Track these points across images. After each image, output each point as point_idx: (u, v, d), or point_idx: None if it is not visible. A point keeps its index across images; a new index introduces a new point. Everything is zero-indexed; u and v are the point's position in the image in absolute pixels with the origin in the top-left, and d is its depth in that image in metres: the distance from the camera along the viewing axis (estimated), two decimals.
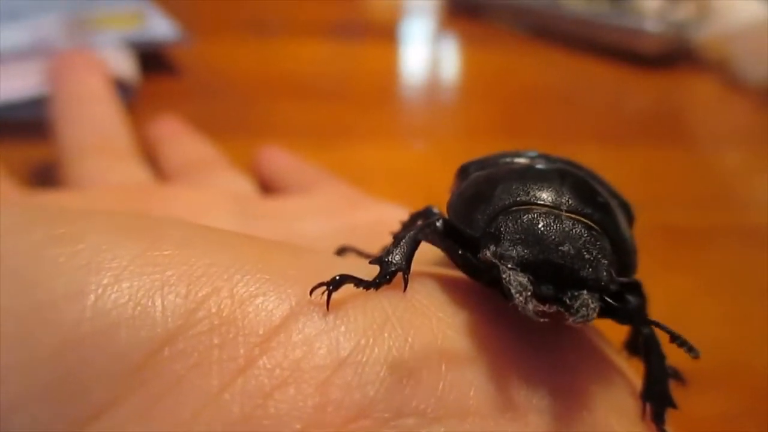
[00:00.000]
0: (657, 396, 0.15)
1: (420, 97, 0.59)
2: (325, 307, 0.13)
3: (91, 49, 0.44)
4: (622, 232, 0.15)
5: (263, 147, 0.38)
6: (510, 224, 0.14)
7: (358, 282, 0.13)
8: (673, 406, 0.15)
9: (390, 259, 0.14)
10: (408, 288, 0.14)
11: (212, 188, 0.30)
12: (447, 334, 0.13)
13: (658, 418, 0.15)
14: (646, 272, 0.35)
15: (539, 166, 0.16)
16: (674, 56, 0.59)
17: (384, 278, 0.13)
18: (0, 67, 0.43)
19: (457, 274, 0.16)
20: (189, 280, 0.12)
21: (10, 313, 0.12)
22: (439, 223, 0.15)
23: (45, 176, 0.37)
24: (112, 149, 0.34)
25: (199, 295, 0.12)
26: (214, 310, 0.12)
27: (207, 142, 0.38)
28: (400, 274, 0.14)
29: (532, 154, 0.18)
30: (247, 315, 0.12)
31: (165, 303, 0.12)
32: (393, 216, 0.26)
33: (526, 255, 0.13)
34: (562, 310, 0.13)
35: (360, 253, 0.17)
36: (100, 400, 0.11)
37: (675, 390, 0.27)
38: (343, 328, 0.12)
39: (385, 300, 0.13)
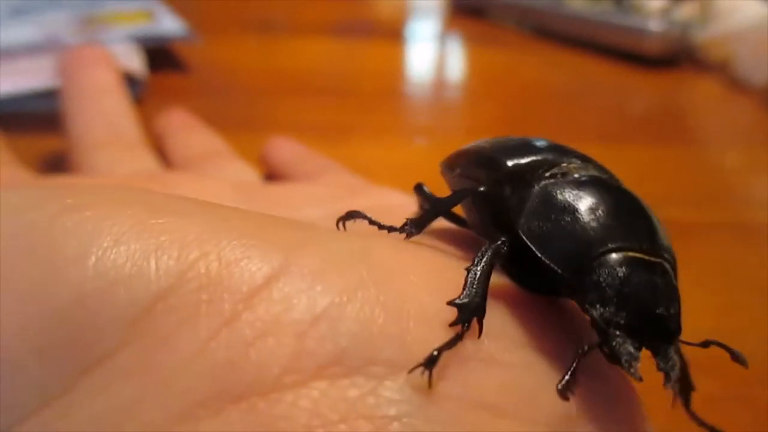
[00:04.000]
0: (682, 385, 0.17)
1: (424, 95, 0.60)
2: (305, 273, 0.14)
3: (100, 44, 0.45)
4: (675, 257, 0.16)
5: (271, 137, 0.39)
6: (612, 282, 0.15)
7: (449, 345, 0.14)
8: (694, 387, 0.17)
9: (469, 303, 0.14)
10: (387, 254, 0.15)
11: (217, 176, 0.31)
12: (420, 297, 0.14)
13: (687, 403, 0.17)
14: None
15: (595, 178, 0.17)
16: (677, 56, 0.59)
17: (465, 327, 0.14)
18: (12, 61, 0.44)
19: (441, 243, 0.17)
20: (181, 245, 0.13)
21: (25, 275, 0.13)
22: (505, 249, 0.16)
23: (56, 167, 0.37)
24: (122, 141, 0.35)
25: (190, 257, 0.13)
26: (203, 271, 0.13)
27: (214, 133, 0.39)
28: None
29: (555, 147, 0.19)
30: (232, 275, 0.13)
31: (158, 264, 0.13)
32: (396, 202, 0.27)
33: (632, 321, 0.14)
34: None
35: (370, 221, 0.18)
36: (101, 351, 0.13)
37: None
38: (320, 288, 0.13)
39: (362, 265, 0.14)
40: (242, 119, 0.47)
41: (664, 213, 0.41)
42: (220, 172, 0.33)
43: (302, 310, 0.13)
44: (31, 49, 0.46)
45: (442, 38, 0.70)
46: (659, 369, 0.14)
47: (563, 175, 0.17)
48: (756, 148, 0.49)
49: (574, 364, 0.14)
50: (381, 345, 0.13)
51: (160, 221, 0.14)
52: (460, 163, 0.20)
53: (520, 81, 0.59)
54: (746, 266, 0.36)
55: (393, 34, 0.68)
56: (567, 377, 0.14)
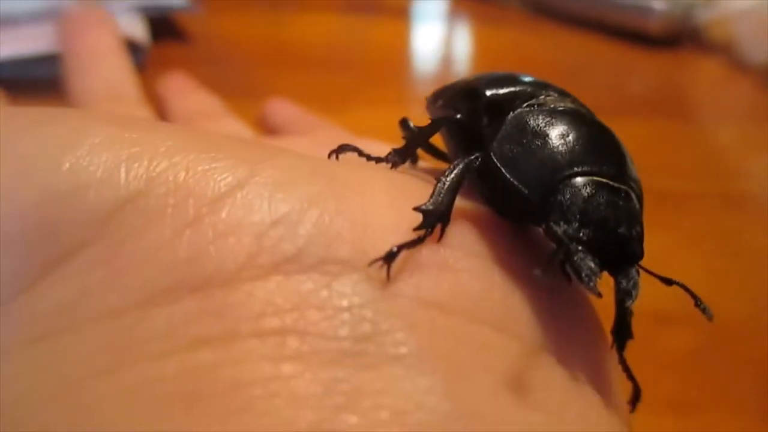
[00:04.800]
0: (624, 331, 0.17)
1: (426, 70, 0.60)
2: (268, 183, 0.14)
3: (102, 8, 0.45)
4: (641, 188, 0.17)
5: (269, 99, 0.39)
6: (576, 200, 0.15)
7: (409, 245, 0.14)
8: (632, 337, 0.17)
9: (434, 210, 0.15)
10: (351, 172, 0.16)
11: (210, 129, 0.31)
12: (380, 210, 0.15)
13: (621, 346, 0.17)
14: None
15: (570, 109, 0.17)
16: (679, 36, 0.59)
17: (428, 232, 0.15)
18: (14, 27, 0.45)
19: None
20: (151, 155, 0.14)
21: (1, 175, 0.14)
22: (477, 163, 0.16)
23: None
24: (122, 101, 0.35)
25: (159, 166, 0.14)
26: (170, 178, 0.14)
27: (212, 95, 0.39)
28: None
29: (535, 81, 0.19)
30: (198, 183, 0.14)
31: (128, 171, 0.14)
32: (385, 152, 0.27)
33: (594, 238, 0.15)
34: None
35: (360, 153, 0.18)
36: (71, 245, 0.13)
37: (649, 328, 0.29)
38: (281, 196, 0.14)
39: (325, 180, 0.15)
40: (243, 88, 0.48)
41: (658, 183, 0.42)
42: (215, 128, 0.33)
43: (263, 214, 0.14)
44: (34, 17, 0.46)
45: (447, 17, 0.70)
46: (619, 289, 0.15)
47: (539, 105, 0.17)
48: (752, 125, 0.50)
49: (554, 254, 0.14)
50: (338, 246, 0.14)
51: (133, 135, 0.15)
52: (443, 96, 0.20)
53: (523, 59, 0.59)
54: (734, 233, 0.37)
55: (400, 12, 0.68)
56: (546, 262, 0.14)
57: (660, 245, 0.35)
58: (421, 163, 0.22)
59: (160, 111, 0.38)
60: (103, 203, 0.14)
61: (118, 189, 0.14)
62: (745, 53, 0.56)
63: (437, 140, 0.20)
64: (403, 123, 0.20)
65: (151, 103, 0.38)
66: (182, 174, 0.14)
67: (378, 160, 0.18)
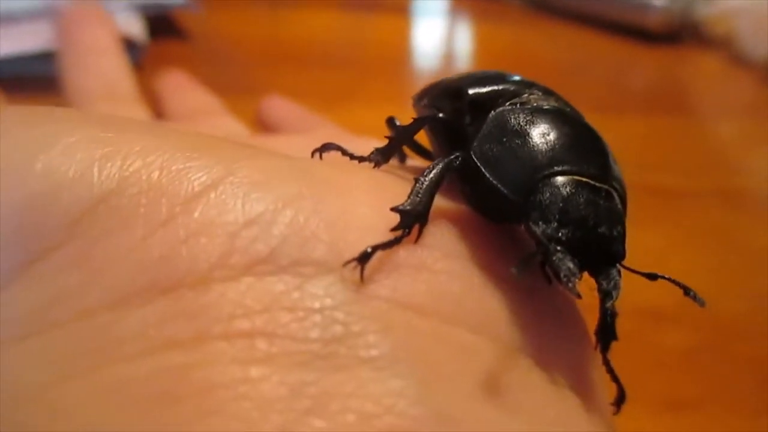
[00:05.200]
0: (607, 332, 0.16)
1: (426, 67, 0.60)
2: (244, 182, 0.14)
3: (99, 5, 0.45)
4: (624, 188, 0.17)
5: (267, 96, 0.39)
6: (555, 199, 0.15)
7: (384, 246, 0.14)
8: (616, 338, 0.17)
9: (411, 210, 0.15)
10: (330, 172, 0.16)
11: (204, 127, 0.31)
12: (358, 210, 0.15)
13: (605, 347, 0.17)
14: (628, 226, 0.37)
15: (553, 108, 0.17)
16: (679, 32, 0.59)
17: (405, 232, 0.14)
18: (12, 24, 0.45)
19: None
20: (125, 155, 0.14)
21: None
22: (457, 163, 0.16)
23: None
24: (117, 97, 0.35)
25: (133, 166, 0.14)
26: (144, 178, 0.14)
27: (210, 93, 0.39)
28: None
29: (520, 80, 0.19)
30: (172, 183, 0.14)
31: (101, 171, 0.14)
32: None
33: (573, 238, 0.14)
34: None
35: (344, 152, 0.18)
36: (44, 245, 0.13)
37: (647, 326, 0.29)
38: (256, 196, 0.14)
39: (303, 179, 0.15)
40: (242, 86, 0.48)
41: (658, 179, 0.42)
42: (210, 126, 0.33)
43: (236, 214, 0.14)
44: (33, 14, 0.46)
45: (448, 13, 0.70)
46: (599, 290, 0.14)
47: (522, 104, 0.17)
48: (752, 120, 0.49)
49: (532, 254, 0.14)
50: (312, 247, 0.13)
51: (109, 134, 0.15)
52: (428, 94, 0.20)
53: (523, 56, 0.59)
54: (732, 230, 0.37)
55: (399, 8, 0.68)
56: (523, 261, 0.14)
57: (659, 242, 0.35)
58: (410, 162, 0.22)
59: (158, 109, 0.38)
60: (76, 204, 0.14)
61: (91, 189, 0.14)
62: (745, 49, 0.55)
63: (426, 139, 0.20)
64: (390, 122, 0.20)
65: (148, 102, 0.38)
66: (156, 173, 0.14)
67: (361, 159, 0.18)
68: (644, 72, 0.57)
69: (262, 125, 0.38)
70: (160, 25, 0.51)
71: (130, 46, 0.44)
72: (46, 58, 0.42)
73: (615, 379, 0.17)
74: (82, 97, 0.35)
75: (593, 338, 0.17)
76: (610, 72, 0.57)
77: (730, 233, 0.37)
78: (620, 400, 0.17)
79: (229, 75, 0.49)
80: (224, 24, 0.57)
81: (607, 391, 0.17)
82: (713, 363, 0.29)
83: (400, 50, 0.61)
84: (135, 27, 0.47)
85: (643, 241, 0.36)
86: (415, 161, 0.22)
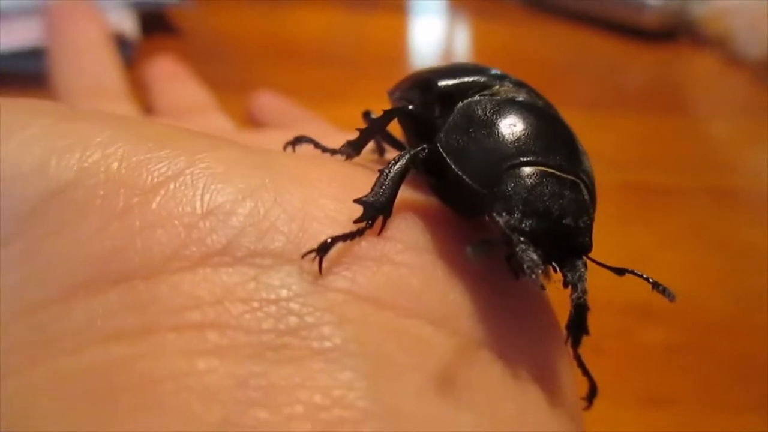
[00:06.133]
0: (577, 326, 0.16)
1: (424, 66, 0.60)
2: (206, 174, 0.14)
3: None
4: (593, 180, 0.16)
5: (257, 91, 0.39)
6: (519, 190, 0.15)
7: (345, 237, 0.14)
8: (587, 332, 0.16)
9: (374, 201, 0.15)
10: (293, 164, 0.15)
11: (191, 122, 0.31)
12: (320, 201, 0.14)
13: (576, 342, 0.16)
14: (616, 224, 0.37)
15: (522, 101, 0.17)
16: (675, 31, 0.59)
17: (368, 224, 0.14)
18: (3, 21, 0.44)
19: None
20: (85, 146, 0.14)
21: None
22: (423, 155, 0.16)
23: None
24: (105, 92, 0.35)
25: (92, 157, 0.14)
26: (102, 169, 0.14)
27: (199, 85, 0.39)
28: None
29: (492, 73, 0.19)
30: (131, 173, 0.14)
31: (59, 162, 0.14)
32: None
33: (537, 229, 0.14)
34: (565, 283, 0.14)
35: (316, 145, 0.18)
36: None
37: (629, 322, 0.29)
38: (217, 188, 0.14)
39: (265, 171, 0.15)
40: (236, 83, 0.48)
41: (649, 177, 0.42)
42: (197, 121, 0.33)
43: (195, 205, 0.13)
44: (23, 10, 0.46)
45: (445, 11, 0.70)
46: (565, 282, 0.14)
47: (491, 95, 0.17)
48: (745, 119, 0.49)
49: (492, 240, 0.14)
50: (271, 238, 0.13)
51: (69, 126, 0.14)
52: (400, 87, 0.20)
53: (519, 54, 0.59)
54: (718, 228, 0.37)
55: (396, 6, 0.68)
56: (478, 243, 0.13)
57: (648, 239, 0.35)
58: (389, 155, 0.22)
59: (147, 105, 0.38)
60: (29, 197, 0.13)
61: (46, 181, 0.13)
62: (740, 48, 0.55)
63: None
64: (365, 115, 0.20)
65: (139, 98, 0.38)
66: (115, 164, 0.14)
67: (333, 152, 0.18)
68: (639, 70, 0.57)
69: (252, 120, 0.38)
70: (153, 21, 0.51)
71: (122, 43, 0.44)
72: (36, 54, 0.42)
73: (586, 373, 0.17)
74: (70, 93, 0.35)
75: (564, 333, 0.17)
76: (606, 70, 0.57)
77: (719, 231, 0.37)
78: (591, 394, 0.17)
79: (222, 72, 0.49)
80: (218, 21, 0.57)
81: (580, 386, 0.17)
82: (696, 360, 0.29)
83: (396, 48, 0.61)
84: (127, 24, 0.47)
85: (632, 239, 0.36)
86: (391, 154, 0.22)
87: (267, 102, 0.39)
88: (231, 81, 0.48)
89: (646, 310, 0.29)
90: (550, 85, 0.57)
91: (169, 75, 0.40)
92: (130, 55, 0.46)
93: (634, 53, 0.58)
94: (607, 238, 0.35)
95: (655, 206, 0.38)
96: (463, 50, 0.64)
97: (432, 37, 0.65)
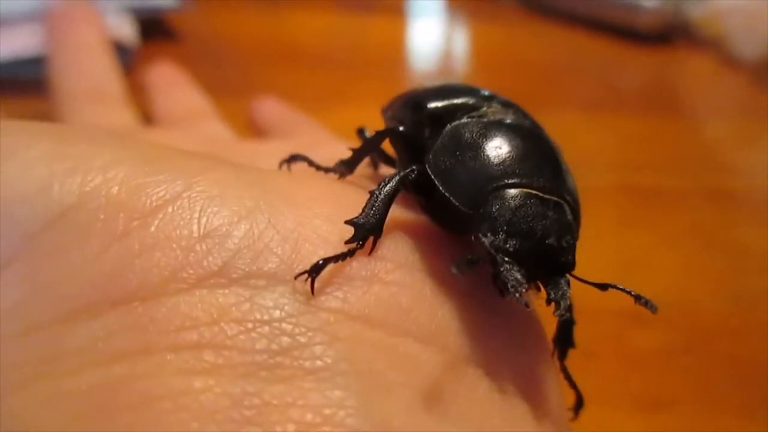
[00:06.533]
0: (563, 339, 0.17)
1: (423, 68, 0.60)
2: (202, 197, 0.14)
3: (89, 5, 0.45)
4: (577, 200, 0.17)
5: (258, 98, 0.39)
6: (504, 211, 0.15)
7: (336, 258, 0.14)
8: (573, 346, 0.17)
9: (365, 222, 0.15)
10: (286, 184, 0.16)
11: (190, 131, 0.32)
12: (313, 222, 0.15)
13: (562, 355, 0.17)
14: (614, 225, 0.37)
15: (508, 122, 0.17)
16: (670, 32, 0.59)
17: (359, 245, 0.15)
18: (3, 27, 0.45)
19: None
20: (86, 170, 0.14)
21: None
22: (413, 176, 0.16)
23: None
24: (104, 98, 0.35)
25: (93, 182, 0.14)
26: (103, 193, 0.14)
27: (199, 91, 0.39)
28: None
29: (481, 94, 0.19)
30: (131, 198, 0.14)
31: (62, 187, 0.14)
32: None
33: (521, 249, 0.15)
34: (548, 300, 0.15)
35: (310, 163, 0.19)
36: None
37: (624, 327, 0.29)
38: (213, 211, 0.14)
39: (259, 193, 0.15)
40: (236, 88, 0.48)
41: (645, 179, 0.42)
42: (196, 129, 0.33)
43: (192, 228, 0.14)
44: (23, 17, 0.46)
45: (443, 13, 0.70)
46: (549, 299, 0.15)
47: (479, 117, 0.18)
48: (741, 120, 0.50)
49: (476, 257, 0.14)
50: (265, 260, 0.14)
51: (70, 149, 0.15)
52: (392, 107, 0.21)
53: (517, 56, 0.59)
54: (716, 229, 0.37)
55: (396, 9, 0.68)
56: (462, 260, 0.14)
57: (644, 242, 0.35)
58: (383, 170, 0.22)
59: (146, 110, 0.38)
60: (33, 219, 0.14)
61: (50, 204, 0.14)
62: (736, 49, 0.55)
63: None
64: (360, 132, 0.21)
65: (138, 103, 0.38)
66: (115, 189, 0.14)
67: (327, 170, 0.19)
68: (636, 72, 0.58)
69: (253, 127, 0.38)
70: (152, 26, 0.51)
71: (120, 48, 0.44)
72: (39, 61, 0.42)
73: (573, 385, 0.17)
74: (69, 99, 0.35)
75: (551, 347, 0.17)
76: (603, 72, 0.57)
77: (717, 232, 0.37)
78: (578, 405, 0.18)
79: (221, 76, 0.49)
80: (216, 25, 0.57)
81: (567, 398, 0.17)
82: (694, 362, 0.29)
83: (395, 50, 0.61)
84: (126, 29, 0.47)
85: (630, 240, 0.36)
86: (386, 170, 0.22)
87: (269, 108, 0.39)
88: (230, 84, 0.48)
89: (641, 313, 0.29)
90: (547, 87, 0.57)
91: (168, 81, 0.40)
92: (128, 60, 0.46)
93: (630, 55, 0.58)
94: (605, 240, 0.35)
95: (652, 207, 0.39)
96: (461, 52, 0.64)
97: (430, 39, 0.65)
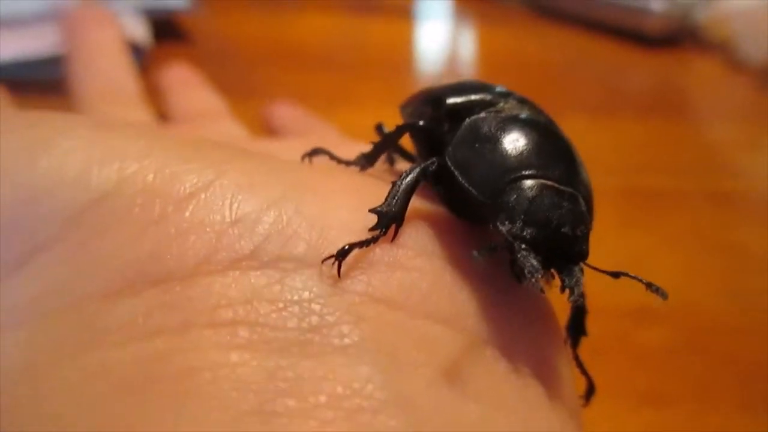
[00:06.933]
0: (575, 327, 0.18)
1: (429, 70, 0.60)
2: (233, 185, 0.15)
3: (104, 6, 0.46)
4: (590, 192, 0.18)
5: (273, 101, 0.40)
6: (521, 201, 0.16)
7: (361, 244, 0.15)
8: (585, 334, 0.18)
9: (387, 211, 0.16)
10: (312, 176, 0.17)
11: (206, 130, 0.32)
12: (338, 212, 0.16)
13: (575, 342, 0.18)
14: (617, 226, 0.37)
15: (525, 117, 0.18)
16: (677, 35, 0.60)
17: (382, 232, 0.15)
18: (19, 28, 0.45)
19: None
20: (122, 158, 0.15)
21: None
22: (433, 168, 0.17)
23: None
24: (120, 97, 0.36)
25: (129, 169, 0.15)
26: (139, 180, 0.15)
27: (212, 91, 0.40)
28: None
29: (498, 91, 0.20)
30: (165, 184, 0.15)
31: (101, 172, 0.15)
32: None
33: (537, 237, 0.15)
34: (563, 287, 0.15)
35: (332, 156, 0.19)
36: (43, 240, 0.15)
37: (628, 323, 0.29)
38: (242, 197, 0.15)
39: (287, 182, 0.16)
40: (245, 88, 0.49)
41: (645, 180, 0.42)
42: (211, 127, 0.34)
43: (224, 214, 0.15)
44: (39, 18, 0.47)
45: (448, 16, 0.71)
46: (563, 286, 0.15)
47: (496, 112, 0.18)
48: (747, 123, 0.50)
49: (496, 245, 0.15)
50: (294, 245, 0.15)
51: (107, 138, 0.16)
52: (412, 103, 0.21)
53: (523, 58, 0.59)
54: (718, 231, 0.38)
55: (402, 11, 0.69)
56: (485, 247, 0.15)
57: (648, 242, 0.36)
58: (399, 165, 0.23)
59: (161, 110, 0.39)
60: (74, 202, 0.15)
61: (89, 189, 0.15)
62: (743, 52, 0.56)
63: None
64: (378, 128, 0.21)
65: (152, 103, 0.39)
66: (150, 176, 0.15)
67: (348, 163, 0.19)
68: (642, 75, 0.58)
69: (267, 128, 0.39)
70: (163, 27, 0.52)
71: (133, 49, 0.45)
72: (54, 61, 0.43)
73: (584, 372, 0.18)
74: (86, 98, 0.36)
75: (564, 334, 0.18)
76: (609, 75, 0.57)
77: (719, 234, 0.38)
78: (589, 392, 0.18)
79: (230, 77, 0.50)
80: (226, 26, 0.58)
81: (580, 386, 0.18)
82: (695, 360, 0.30)
83: (401, 52, 0.61)
84: (139, 30, 0.48)
85: (633, 241, 0.37)
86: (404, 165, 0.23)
87: (283, 111, 0.40)
88: (239, 85, 0.48)
89: (645, 312, 0.29)
90: (553, 90, 0.58)
91: (182, 81, 0.41)
92: (141, 61, 0.47)
93: (637, 58, 0.58)
94: (608, 241, 0.36)
95: (655, 209, 0.39)
96: (467, 54, 0.65)
97: (436, 41, 0.66)
